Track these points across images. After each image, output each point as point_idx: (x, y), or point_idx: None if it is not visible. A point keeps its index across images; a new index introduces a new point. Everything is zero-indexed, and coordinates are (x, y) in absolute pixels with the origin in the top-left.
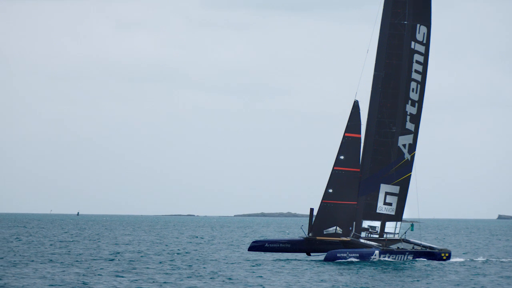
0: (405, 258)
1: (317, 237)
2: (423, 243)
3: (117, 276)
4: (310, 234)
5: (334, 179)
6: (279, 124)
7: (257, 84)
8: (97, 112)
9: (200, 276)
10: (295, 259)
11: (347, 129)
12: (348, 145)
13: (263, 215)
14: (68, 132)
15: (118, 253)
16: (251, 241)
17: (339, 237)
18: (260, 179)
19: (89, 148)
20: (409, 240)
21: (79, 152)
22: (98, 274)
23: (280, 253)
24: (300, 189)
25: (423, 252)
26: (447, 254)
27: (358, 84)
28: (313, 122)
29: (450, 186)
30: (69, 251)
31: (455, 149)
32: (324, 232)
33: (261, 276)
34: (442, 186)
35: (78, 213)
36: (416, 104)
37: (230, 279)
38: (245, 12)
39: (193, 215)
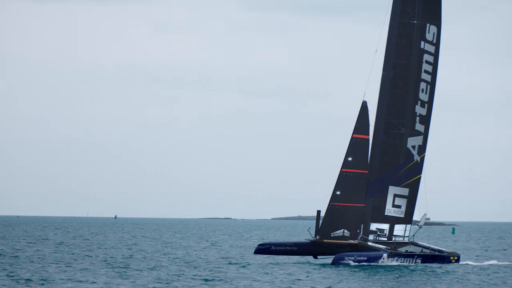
0: (414, 261)
1: (324, 240)
2: (431, 246)
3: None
4: (317, 237)
5: (342, 181)
6: (316, 126)
7: (295, 87)
8: (136, 115)
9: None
10: (300, 262)
11: (355, 130)
12: (356, 146)
13: (300, 218)
14: (106, 135)
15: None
16: (258, 244)
17: (347, 240)
18: (297, 182)
19: (126, 151)
20: (417, 243)
21: (115, 155)
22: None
23: (287, 256)
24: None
25: (431, 255)
26: (456, 258)
27: (367, 85)
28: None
29: (462, 188)
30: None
31: (468, 150)
32: (332, 235)
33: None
34: (453, 188)
35: (115, 216)
36: (426, 105)
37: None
38: (284, 14)
39: (231, 218)
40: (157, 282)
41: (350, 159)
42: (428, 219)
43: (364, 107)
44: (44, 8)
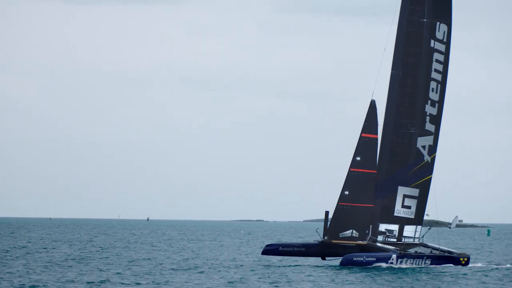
0: (423, 262)
1: (333, 241)
2: (441, 247)
3: None
4: (325, 238)
5: (350, 180)
6: (350, 128)
7: (327, 89)
8: (168, 117)
9: None
10: (308, 265)
11: (364, 130)
12: (364, 146)
13: None
14: (139, 136)
15: None
16: (265, 245)
17: (355, 241)
18: (329, 183)
19: (157, 154)
20: (427, 245)
21: (147, 158)
22: None
23: (295, 257)
24: None
25: (441, 256)
26: (466, 259)
27: (375, 83)
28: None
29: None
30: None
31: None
32: (340, 236)
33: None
34: (464, 189)
35: (148, 218)
36: (437, 105)
37: None
38: (316, 17)
39: (262, 220)
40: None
41: (358, 158)
42: (461, 221)
43: (372, 106)
44: (75, 10)
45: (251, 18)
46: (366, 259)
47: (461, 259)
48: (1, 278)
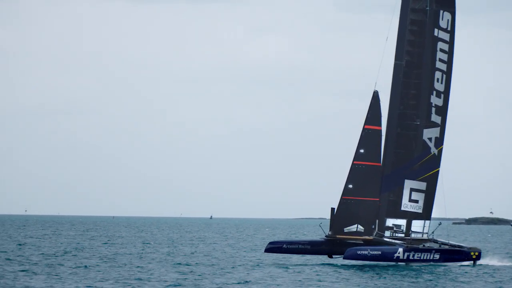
0: (432, 256)
1: (337, 236)
2: (451, 242)
3: None
4: (330, 232)
5: (354, 174)
6: None
7: (388, 88)
8: (229, 115)
9: None
10: (311, 264)
11: (367, 121)
12: (368, 138)
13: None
14: (203, 134)
15: None
16: (268, 242)
17: (361, 236)
18: None
19: (221, 149)
20: (437, 240)
21: (210, 154)
22: None
23: (299, 255)
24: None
25: (451, 250)
26: (476, 253)
27: (378, 74)
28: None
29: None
30: None
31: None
32: (345, 230)
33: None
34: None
35: (211, 216)
36: (442, 95)
37: None
38: (379, 15)
39: (325, 219)
40: None
41: (362, 151)
42: (492, 213)
43: (375, 96)
44: (134, 8)
45: (312, 17)
46: (371, 252)
47: (472, 253)
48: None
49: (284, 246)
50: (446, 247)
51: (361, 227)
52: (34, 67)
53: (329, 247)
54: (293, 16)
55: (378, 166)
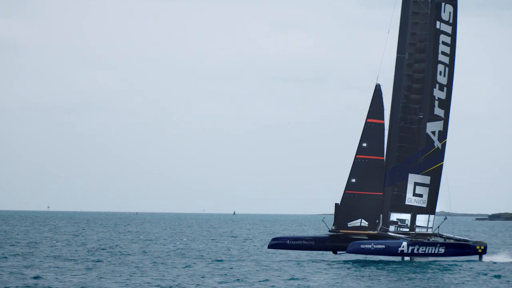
0: (436, 250)
1: (341, 230)
2: (456, 236)
3: None
4: (333, 227)
5: (357, 168)
6: None
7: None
8: (252, 111)
9: None
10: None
11: (369, 115)
12: (370, 131)
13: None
14: (228, 131)
15: None
16: (271, 238)
17: (365, 231)
18: None
19: (244, 147)
20: (442, 235)
21: (233, 151)
22: None
23: (303, 251)
24: (457, 187)
25: (456, 244)
26: (482, 247)
27: (380, 67)
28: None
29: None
30: None
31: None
32: (348, 225)
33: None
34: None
35: (234, 212)
36: (445, 88)
37: None
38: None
39: None
40: None
41: (364, 145)
42: None
43: (377, 90)
44: (160, 5)
45: (337, 13)
46: (374, 246)
47: (478, 247)
48: None
49: (288, 242)
50: (451, 241)
51: (365, 222)
52: (55, 61)
53: (333, 243)
54: (317, 12)
55: (381, 160)
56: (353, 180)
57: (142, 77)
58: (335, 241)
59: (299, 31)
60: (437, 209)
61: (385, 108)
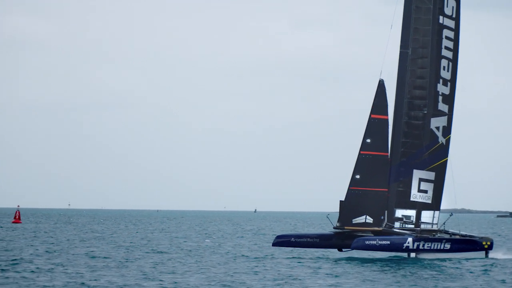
0: (442, 246)
1: (345, 227)
2: (462, 232)
3: None
4: (338, 224)
5: (361, 164)
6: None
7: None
8: (274, 108)
9: None
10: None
11: (373, 110)
12: (374, 127)
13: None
14: (252, 129)
15: None
16: (275, 236)
17: (370, 227)
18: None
19: (266, 145)
20: (448, 231)
21: (254, 149)
22: None
23: (308, 249)
24: (477, 183)
25: (462, 240)
26: (489, 243)
27: (383, 62)
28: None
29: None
30: None
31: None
32: (353, 222)
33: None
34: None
35: (255, 210)
36: (449, 84)
37: None
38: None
39: None
40: None
41: (368, 141)
42: None
43: (381, 85)
44: (178, 3)
45: (358, 9)
46: (379, 242)
47: (484, 243)
48: None
49: (292, 239)
50: (457, 237)
51: (370, 218)
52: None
53: (338, 240)
54: (337, 8)
55: (385, 156)
56: (357, 176)
57: (164, 75)
58: (340, 238)
59: (321, 28)
60: (451, 206)
61: (388, 103)
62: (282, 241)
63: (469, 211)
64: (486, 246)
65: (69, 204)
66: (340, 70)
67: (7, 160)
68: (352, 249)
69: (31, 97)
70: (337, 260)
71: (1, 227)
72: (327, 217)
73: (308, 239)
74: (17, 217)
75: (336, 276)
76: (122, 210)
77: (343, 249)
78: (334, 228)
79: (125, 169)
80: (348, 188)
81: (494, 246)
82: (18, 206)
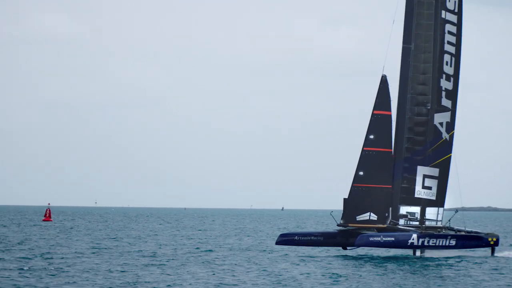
0: (447, 242)
1: (350, 224)
2: (467, 229)
3: None
4: (341, 221)
5: (365, 160)
6: (478, 117)
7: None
8: (300, 107)
9: None
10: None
11: (376, 107)
12: (377, 123)
13: (463, 209)
14: (279, 127)
15: None
16: (279, 234)
17: (375, 224)
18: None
19: (287, 143)
20: (453, 228)
21: (281, 146)
22: None
23: (312, 247)
24: (503, 181)
25: (467, 236)
26: (494, 239)
27: (385, 58)
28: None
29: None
30: None
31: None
32: (357, 219)
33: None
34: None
35: (282, 208)
36: (452, 79)
37: None
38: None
39: None
40: None
41: (372, 137)
42: None
43: (384, 81)
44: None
45: (386, 8)
46: (384, 239)
47: (490, 239)
48: None
49: (296, 238)
50: (462, 233)
51: (374, 215)
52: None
53: (342, 238)
54: (367, 7)
55: (389, 152)
56: (361, 173)
57: (192, 72)
58: (345, 236)
59: (348, 26)
60: (476, 204)
61: (391, 99)
62: (285, 239)
63: (489, 208)
64: (492, 243)
65: (95, 202)
66: (366, 68)
67: (34, 159)
68: (356, 245)
69: (52, 95)
70: (342, 259)
71: (35, 225)
72: (331, 214)
73: (312, 237)
74: (47, 215)
75: (340, 276)
76: (149, 208)
77: (348, 248)
78: (337, 225)
79: (151, 168)
80: (352, 185)
81: (500, 242)
82: (49, 204)
